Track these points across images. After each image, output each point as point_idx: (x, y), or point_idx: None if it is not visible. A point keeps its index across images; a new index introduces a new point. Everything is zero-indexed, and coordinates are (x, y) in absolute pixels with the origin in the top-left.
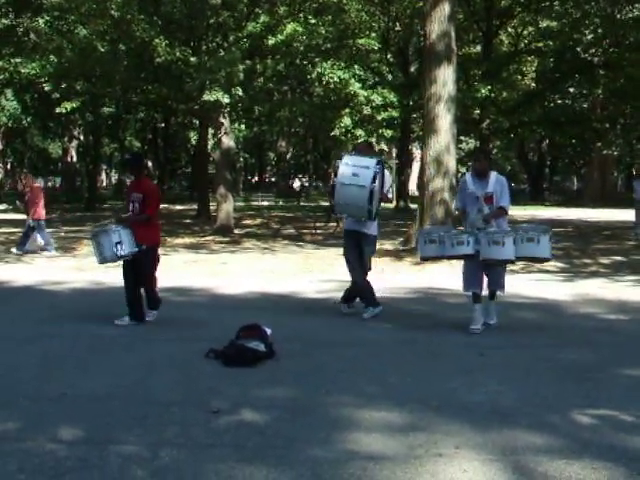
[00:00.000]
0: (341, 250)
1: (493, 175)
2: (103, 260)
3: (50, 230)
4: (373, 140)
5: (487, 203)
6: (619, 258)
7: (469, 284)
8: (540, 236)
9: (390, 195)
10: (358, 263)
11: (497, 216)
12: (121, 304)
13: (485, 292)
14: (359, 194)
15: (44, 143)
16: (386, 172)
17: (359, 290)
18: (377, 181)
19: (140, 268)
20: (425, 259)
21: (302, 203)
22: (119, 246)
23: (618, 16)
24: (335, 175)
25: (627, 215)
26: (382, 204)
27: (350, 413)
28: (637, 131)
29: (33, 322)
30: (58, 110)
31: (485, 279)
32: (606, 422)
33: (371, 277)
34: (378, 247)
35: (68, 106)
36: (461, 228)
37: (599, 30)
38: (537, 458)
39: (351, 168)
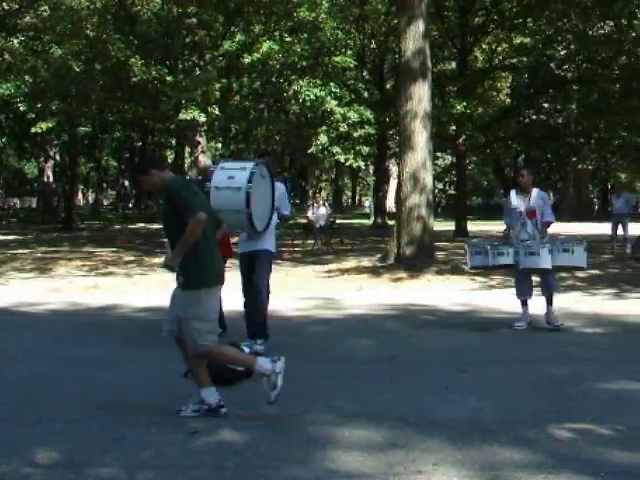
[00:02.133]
0: (317, 267)
1: (535, 190)
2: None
3: (26, 250)
4: (350, 157)
5: (530, 217)
6: (595, 272)
7: (520, 292)
8: (575, 247)
9: (287, 212)
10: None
11: (545, 229)
12: (97, 325)
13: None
14: (234, 197)
15: (20, 163)
16: (279, 184)
17: (255, 317)
18: (256, 182)
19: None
20: (474, 269)
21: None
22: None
23: (590, 32)
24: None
25: (603, 229)
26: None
27: (329, 431)
28: (611, 145)
29: (8, 344)
30: (34, 130)
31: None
32: (584, 436)
33: (348, 293)
34: (356, 264)
35: (44, 126)
36: (474, 240)
37: (572, 46)
38: (516, 474)
39: (226, 172)
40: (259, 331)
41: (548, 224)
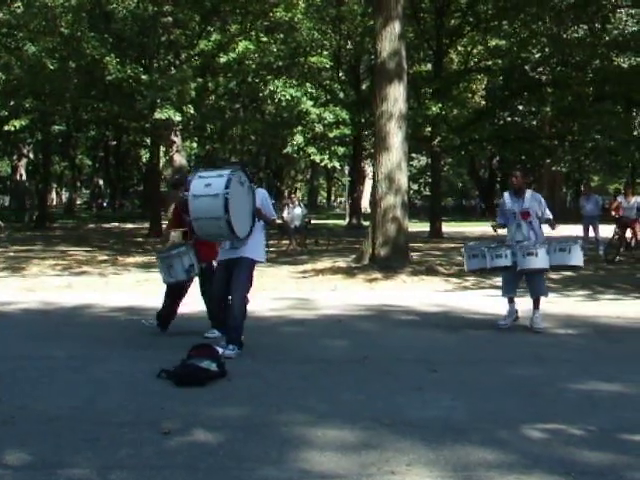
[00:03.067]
0: (292, 268)
1: (528, 192)
2: (170, 280)
3: None
4: (325, 157)
5: (524, 219)
6: (568, 273)
7: (506, 290)
8: (571, 246)
9: (273, 216)
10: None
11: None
12: (70, 325)
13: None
14: (212, 204)
15: None
16: (260, 190)
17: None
18: (233, 188)
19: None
20: (471, 271)
21: None
22: (192, 268)
23: (564, 36)
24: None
25: (576, 230)
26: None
27: (302, 432)
28: (585, 148)
29: None
30: (6, 128)
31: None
32: (556, 436)
33: (323, 294)
34: (331, 264)
35: (17, 124)
36: (471, 243)
37: (546, 49)
38: (489, 474)
39: (203, 180)
40: (233, 339)
41: (550, 221)
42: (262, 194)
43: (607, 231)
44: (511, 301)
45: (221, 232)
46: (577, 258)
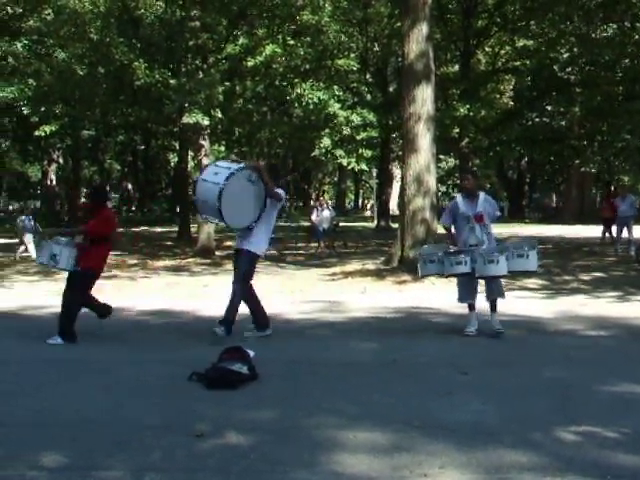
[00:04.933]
0: (321, 271)
1: (482, 195)
2: (38, 261)
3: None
4: (353, 160)
5: (478, 222)
6: (599, 274)
7: (465, 296)
8: (530, 251)
9: (279, 195)
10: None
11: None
12: (97, 328)
13: (486, 304)
14: (211, 189)
15: (23, 167)
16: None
17: (231, 307)
18: (234, 182)
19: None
20: (425, 277)
21: (282, 223)
22: (55, 257)
23: (593, 35)
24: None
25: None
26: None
27: (334, 434)
28: (614, 148)
29: (11, 347)
30: (37, 133)
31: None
32: (589, 439)
33: (352, 296)
34: (360, 267)
35: (47, 129)
36: (454, 248)
37: (575, 49)
38: (521, 476)
39: (216, 168)
40: (226, 322)
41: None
42: (280, 191)
43: None
44: (472, 308)
45: (215, 215)
46: (533, 264)
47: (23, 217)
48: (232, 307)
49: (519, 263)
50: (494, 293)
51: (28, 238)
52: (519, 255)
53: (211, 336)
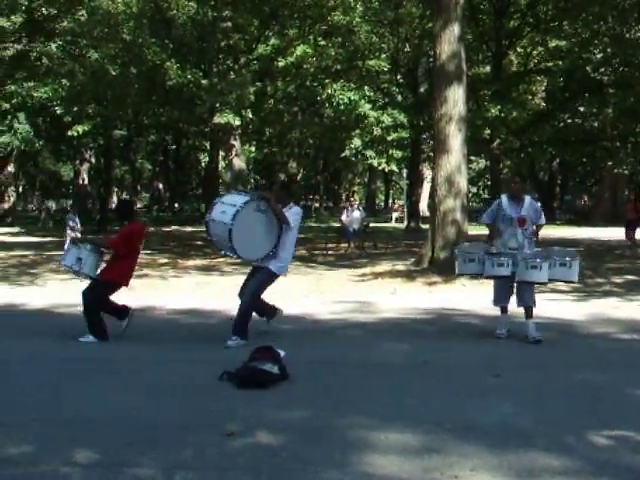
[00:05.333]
0: (351, 271)
1: (527, 199)
2: (62, 263)
3: (62, 253)
4: (383, 161)
5: (520, 225)
6: (632, 277)
7: (500, 300)
8: (572, 261)
9: (287, 222)
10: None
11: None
12: (132, 326)
13: (520, 310)
14: (222, 231)
15: (56, 166)
16: (295, 209)
17: (239, 315)
18: (243, 217)
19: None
20: (461, 275)
21: (312, 224)
22: (81, 262)
23: (627, 35)
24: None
25: (638, 234)
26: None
27: (365, 435)
28: None
29: (43, 345)
30: (70, 133)
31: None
32: (622, 443)
33: (382, 297)
34: (390, 268)
35: (80, 129)
36: (494, 248)
37: (608, 49)
38: (554, 479)
39: (221, 206)
40: (237, 330)
41: (539, 227)
42: (295, 211)
43: None
44: (504, 311)
45: (231, 251)
46: (574, 274)
47: (70, 216)
48: (241, 316)
49: (561, 272)
50: (525, 300)
51: (68, 235)
52: (562, 264)
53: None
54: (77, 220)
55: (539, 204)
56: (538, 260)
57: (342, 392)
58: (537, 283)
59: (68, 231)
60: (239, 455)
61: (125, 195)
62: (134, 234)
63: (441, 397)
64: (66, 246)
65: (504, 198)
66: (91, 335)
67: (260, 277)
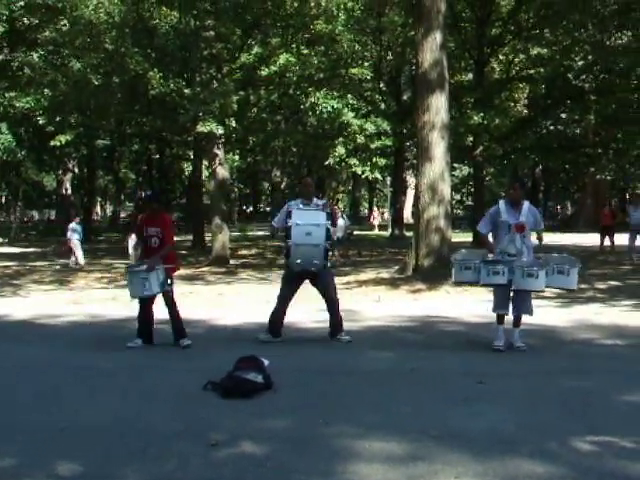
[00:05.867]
0: (336, 279)
1: (526, 204)
2: (134, 296)
3: (45, 263)
4: (367, 169)
5: (518, 232)
6: (615, 283)
7: (500, 306)
8: (571, 269)
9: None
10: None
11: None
12: (117, 337)
13: (510, 316)
14: (314, 251)
15: (39, 176)
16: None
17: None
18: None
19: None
20: (458, 284)
21: None
22: (146, 285)
23: (608, 43)
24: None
25: (621, 240)
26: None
27: (350, 443)
28: (630, 156)
29: (28, 355)
30: (52, 143)
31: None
32: (606, 449)
33: (367, 305)
34: (374, 276)
35: (62, 139)
36: (491, 255)
37: (589, 57)
38: None
39: (302, 228)
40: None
41: (540, 233)
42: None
43: None
44: (502, 320)
45: (314, 268)
46: (572, 281)
47: (73, 224)
48: (336, 315)
49: (559, 280)
50: (521, 309)
51: (76, 245)
52: (559, 271)
53: (344, 344)
54: (79, 230)
55: (539, 209)
56: (535, 268)
57: (327, 401)
58: (534, 291)
59: (74, 241)
60: (223, 465)
61: (109, 205)
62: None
63: (426, 404)
64: (75, 255)
65: (502, 204)
66: (186, 339)
67: (332, 280)
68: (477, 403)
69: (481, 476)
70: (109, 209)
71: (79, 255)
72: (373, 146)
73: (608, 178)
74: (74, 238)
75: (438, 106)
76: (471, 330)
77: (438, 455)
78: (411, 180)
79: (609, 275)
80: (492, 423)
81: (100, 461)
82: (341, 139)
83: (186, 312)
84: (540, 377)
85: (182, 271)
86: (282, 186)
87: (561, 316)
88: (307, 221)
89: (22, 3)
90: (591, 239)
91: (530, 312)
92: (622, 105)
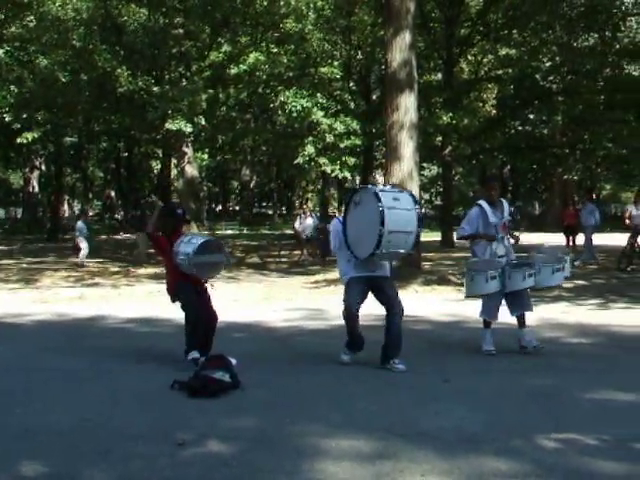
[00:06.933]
0: (304, 278)
1: (505, 203)
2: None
3: (12, 261)
4: (336, 168)
5: (502, 230)
6: (581, 282)
7: (491, 313)
8: (565, 264)
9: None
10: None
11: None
12: (83, 336)
13: (473, 315)
14: (408, 216)
15: (5, 173)
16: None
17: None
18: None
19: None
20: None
21: (266, 231)
22: None
23: (575, 44)
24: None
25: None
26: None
27: (316, 442)
28: (596, 156)
29: None
30: (19, 140)
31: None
32: (571, 446)
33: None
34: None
35: (29, 136)
36: (475, 259)
37: (557, 58)
38: None
39: (389, 194)
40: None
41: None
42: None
43: (623, 240)
44: (489, 324)
45: (405, 246)
46: (566, 273)
47: (80, 222)
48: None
49: (558, 277)
50: (523, 307)
51: (83, 242)
52: (557, 269)
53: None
54: (81, 227)
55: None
56: (534, 270)
57: (294, 400)
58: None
59: (79, 237)
60: (190, 465)
61: (77, 203)
62: None
63: (393, 403)
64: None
65: (485, 205)
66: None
67: (394, 287)
68: (443, 402)
69: (447, 474)
70: (77, 207)
71: (82, 253)
72: (342, 145)
73: (575, 178)
74: (82, 236)
75: (407, 106)
76: (438, 329)
77: (404, 453)
78: (380, 179)
79: (575, 274)
80: (458, 421)
81: (65, 462)
82: (310, 138)
83: (154, 311)
84: (506, 375)
85: (150, 270)
86: (251, 185)
87: (528, 315)
88: (387, 189)
89: None
90: (559, 239)
91: (531, 308)
92: (589, 106)
